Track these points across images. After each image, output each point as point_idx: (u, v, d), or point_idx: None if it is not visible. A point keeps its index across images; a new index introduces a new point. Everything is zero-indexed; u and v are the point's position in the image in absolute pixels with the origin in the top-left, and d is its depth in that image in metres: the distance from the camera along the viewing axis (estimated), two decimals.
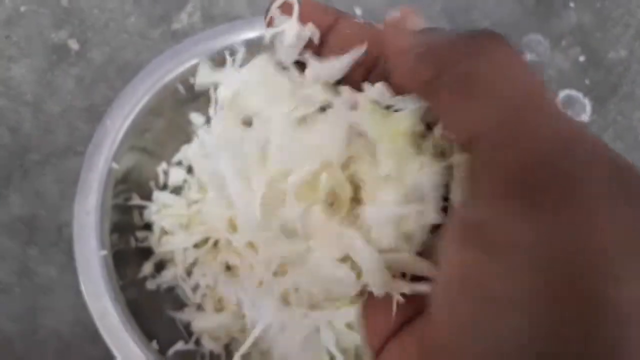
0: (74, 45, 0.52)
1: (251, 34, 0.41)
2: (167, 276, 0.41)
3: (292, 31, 0.20)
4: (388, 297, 0.20)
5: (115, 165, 0.37)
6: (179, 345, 0.39)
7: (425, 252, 0.20)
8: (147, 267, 0.42)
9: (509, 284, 0.14)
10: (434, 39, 0.18)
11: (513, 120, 0.15)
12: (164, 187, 0.44)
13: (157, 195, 0.43)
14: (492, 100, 0.16)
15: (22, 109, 0.49)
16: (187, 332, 0.41)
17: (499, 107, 0.16)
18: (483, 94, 0.16)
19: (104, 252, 0.35)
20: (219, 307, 0.42)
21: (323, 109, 0.21)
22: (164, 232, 0.42)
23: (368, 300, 0.21)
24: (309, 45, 0.21)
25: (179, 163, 0.45)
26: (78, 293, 0.44)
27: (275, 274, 0.22)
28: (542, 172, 0.14)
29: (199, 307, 0.42)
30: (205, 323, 0.40)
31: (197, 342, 0.41)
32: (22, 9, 0.53)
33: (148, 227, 0.43)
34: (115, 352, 0.33)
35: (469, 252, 0.15)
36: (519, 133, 0.15)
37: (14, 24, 0.52)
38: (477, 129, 0.16)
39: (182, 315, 0.41)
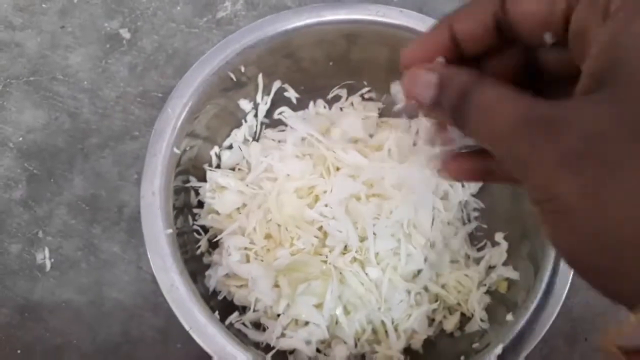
0: (125, 34, 0.55)
1: (297, 23, 0.43)
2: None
3: None
4: None
5: (176, 150, 0.40)
6: (234, 316, 0.43)
7: None
8: (203, 243, 0.45)
9: None
10: None
11: None
12: (218, 168, 0.47)
13: (211, 174, 0.45)
14: None
15: (81, 96, 0.53)
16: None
17: None
18: None
19: (170, 230, 0.39)
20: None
21: None
22: (212, 209, 0.45)
23: None
24: None
25: (230, 146, 0.48)
26: (138, 268, 0.48)
27: None
28: None
29: None
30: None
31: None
32: (76, 0, 0.56)
33: (202, 206, 0.46)
34: (183, 321, 0.37)
35: None
36: None
37: (68, 15, 0.55)
38: None
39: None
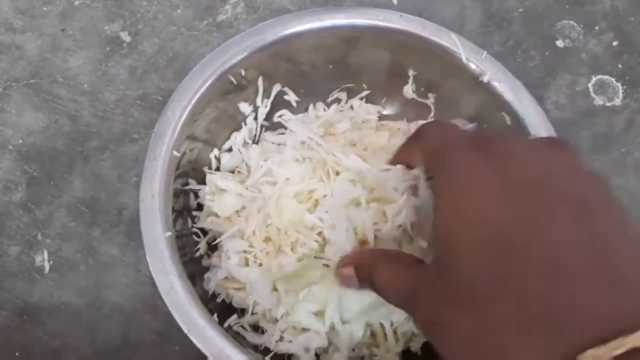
0: (126, 37, 0.55)
1: (298, 27, 0.44)
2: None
3: None
4: None
5: (176, 153, 0.40)
6: (233, 319, 0.43)
7: None
8: (202, 246, 0.45)
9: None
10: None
11: None
12: (217, 171, 0.47)
13: (210, 177, 0.45)
14: None
15: (81, 99, 0.53)
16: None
17: None
18: None
19: (169, 233, 0.39)
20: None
21: None
22: (211, 212, 0.45)
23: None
24: None
25: (230, 149, 0.48)
26: (137, 271, 0.48)
27: None
28: None
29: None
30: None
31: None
32: (76, 3, 0.56)
33: (201, 208, 0.46)
34: (182, 324, 0.36)
35: None
36: None
37: (69, 18, 0.56)
38: None
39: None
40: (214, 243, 0.44)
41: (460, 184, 0.26)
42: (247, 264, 0.43)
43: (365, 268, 0.33)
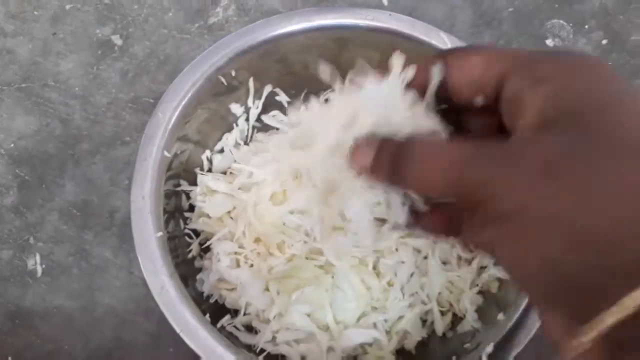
0: (117, 40, 0.55)
1: (288, 28, 0.44)
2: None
3: None
4: None
5: (166, 154, 0.40)
6: (226, 319, 0.43)
7: None
8: (194, 247, 0.45)
9: None
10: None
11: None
12: (209, 172, 0.47)
13: (201, 178, 0.46)
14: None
15: (72, 102, 0.53)
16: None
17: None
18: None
19: (160, 234, 0.39)
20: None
21: None
22: (203, 213, 0.45)
23: None
24: None
25: (221, 150, 0.48)
26: (130, 273, 0.48)
27: None
28: None
29: None
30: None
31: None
32: (67, 7, 0.56)
33: (193, 209, 0.46)
34: (174, 324, 0.36)
35: None
36: None
37: (60, 22, 0.56)
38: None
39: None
40: (205, 245, 0.45)
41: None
42: (238, 265, 0.43)
43: (393, 142, 0.23)
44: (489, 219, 0.20)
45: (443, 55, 0.24)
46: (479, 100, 0.23)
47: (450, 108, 0.25)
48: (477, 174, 0.19)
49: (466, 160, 0.20)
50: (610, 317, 0.17)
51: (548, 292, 0.19)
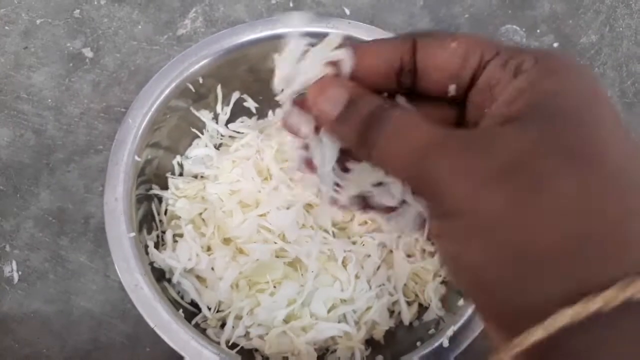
0: (88, 53, 0.56)
1: (252, 36, 0.46)
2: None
3: None
4: None
5: (137, 158, 0.42)
6: (200, 317, 0.44)
7: None
8: (168, 249, 0.46)
9: None
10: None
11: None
12: (180, 176, 0.49)
13: (172, 181, 0.47)
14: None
15: (45, 113, 0.54)
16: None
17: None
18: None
19: (133, 234, 0.40)
20: None
21: None
22: (175, 216, 0.47)
23: None
24: None
25: (192, 156, 0.50)
26: (106, 277, 0.49)
27: None
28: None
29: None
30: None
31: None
32: (38, 21, 0.58)
33: (166, 212, 0.47)
34: (148, 319, 0.38)
35: None
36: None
37: (31, 36, 0.57)
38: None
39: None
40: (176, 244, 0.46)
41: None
42: (212, 268, 0.45)
43: (368, 103, 0.21)
44: (437, 213, 0.19)
45: (410, 38, 0.22)
46: (452, 90, 0.22)
47: (406, 95, 0.23)
48: (437, 165, 0.19)
49: (434, 144, 0.19)
50: (532, 336, 0.17)
51: (476, 299, 0.19)
